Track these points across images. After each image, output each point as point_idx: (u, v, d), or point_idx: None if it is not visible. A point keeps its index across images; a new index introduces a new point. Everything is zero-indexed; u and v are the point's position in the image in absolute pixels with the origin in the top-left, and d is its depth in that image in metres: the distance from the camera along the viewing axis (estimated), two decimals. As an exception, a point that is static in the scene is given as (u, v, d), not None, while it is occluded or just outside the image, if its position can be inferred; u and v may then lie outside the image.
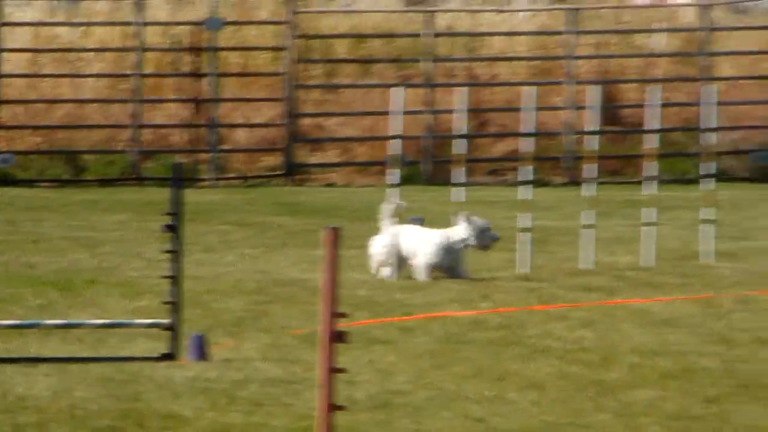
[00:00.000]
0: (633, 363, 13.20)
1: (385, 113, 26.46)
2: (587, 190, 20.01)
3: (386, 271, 18.78)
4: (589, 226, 19.53)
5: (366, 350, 13.48)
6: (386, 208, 18.99)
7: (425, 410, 11.14)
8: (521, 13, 38.56)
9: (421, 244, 18.72)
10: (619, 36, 35.96)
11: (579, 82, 32.77)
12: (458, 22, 36.99)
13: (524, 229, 19.30)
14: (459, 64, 35.09)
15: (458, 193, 19.29)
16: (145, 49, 34.41)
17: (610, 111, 33.44)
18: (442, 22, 35.69)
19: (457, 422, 10.97)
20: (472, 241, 18.83)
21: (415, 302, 16.94)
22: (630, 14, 39.45)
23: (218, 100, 34.35)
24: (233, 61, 36.25)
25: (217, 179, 33.80)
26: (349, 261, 17.10)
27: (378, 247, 18.91)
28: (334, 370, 8.42)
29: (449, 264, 18.81)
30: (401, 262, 18.80)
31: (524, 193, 19.68)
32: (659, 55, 35.46)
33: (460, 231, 18.91)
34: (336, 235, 8.33)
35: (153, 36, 35.64)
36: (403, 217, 19.14)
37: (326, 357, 8.38)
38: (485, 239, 18.99)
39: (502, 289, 17.79)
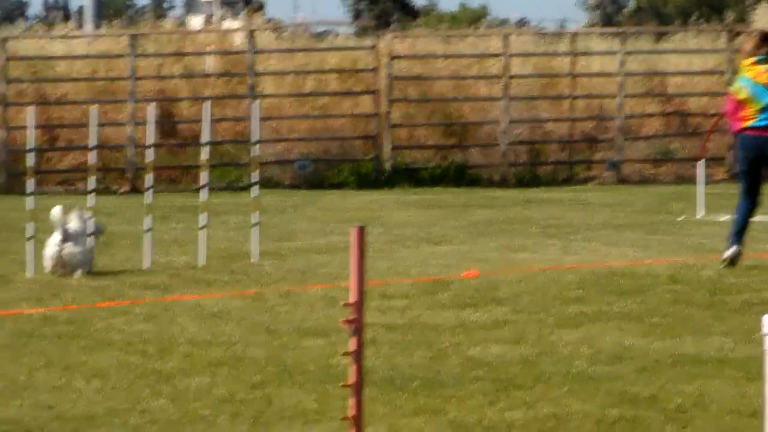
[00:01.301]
0: (187, 353, 13.15)
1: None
2: (147, 198, 20.03)
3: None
4: (149, 230, 19.55)
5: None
6: (56, 211, 18.66)
7: (-4, 400, 11.04)
8: (87, 39, 38.34)
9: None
10: (175, 58, 35.97)
11: (139, 101, 32.78)
12: (30, 45, 36.63)
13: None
14: (29, 85, 34.72)
15: (30, 202, 19.12)
16: None
17: (169, 126, 33.60)
18: (13, 46, 35.27)
19: (27, 410, 10.80)
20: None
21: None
22: (186, 39, 39.47)
23: None
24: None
25: None
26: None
27: (51, 246, 18.66)
28: None
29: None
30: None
31: (91, 200, 19.61)
32: (212, 75, 35.61)
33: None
34: None
35: None
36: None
37: None
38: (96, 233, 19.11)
39: (70, 288, 17.54)
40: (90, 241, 18.95)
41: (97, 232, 19.28)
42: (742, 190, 19.33)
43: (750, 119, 19.06)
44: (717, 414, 10.63)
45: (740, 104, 19.10)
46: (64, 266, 18.69)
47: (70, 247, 18.81)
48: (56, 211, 18.71)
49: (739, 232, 19.04)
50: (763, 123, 19.04)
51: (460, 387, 11.62)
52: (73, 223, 18.87)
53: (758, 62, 19.17)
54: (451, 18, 79.65)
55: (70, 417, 10.60)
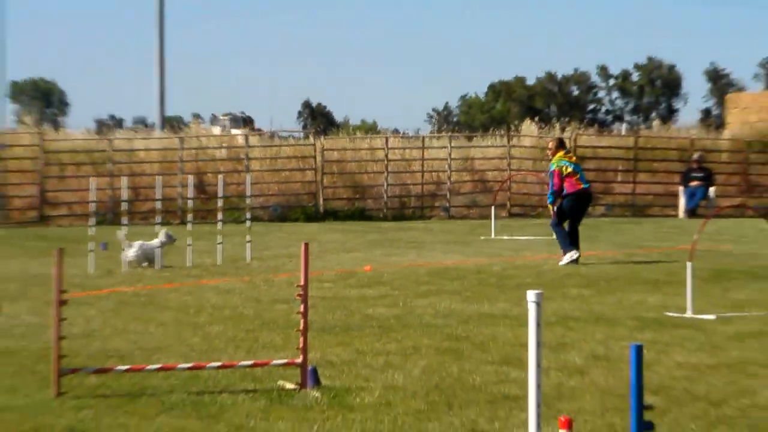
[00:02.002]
0: (211, 312, 12.93)
1: None
2: (188, 227, 19.89)
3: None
4: (190, 245, 19.33)
5: None
6: (120, 234, 18.70)
7: None
8: (157, 138, 37.98)
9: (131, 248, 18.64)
10: (204, 150, 35.73)
11: (184, 173, 32.49)
12: (124, 143, 36.38)
13: None
14: (127, 166, 34.45)
15: (125, 229, 18.94)
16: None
17: (200, 188, 32.95)
18: (116, 143, 35.07)
19: (122, 344, 10.66)
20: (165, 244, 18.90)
21: None
22: (211, 139, 39.09)
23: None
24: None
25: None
26: None
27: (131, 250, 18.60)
28: None
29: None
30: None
31: (158, 228, 19.45)
32: (224, 159, 35.39)
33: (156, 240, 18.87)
34: None
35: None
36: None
37: None
38: (169, 241, 18.99)
39: (147, 276, 17.10)
40: (159, 248, 18.84)
41: (171, 240, 19.13)
42: (562, 224, 19.00)
43: (579, 183, 19.10)
44: (502, 345, 10.71)
45: (568, 176, 19.00)
46: (144, 261, 18.66)
47: (146, 251, 18.76)
48: (120, 234, 18.69)
49: (572, 243, 18.87)
50: (587, 184, 19.31)
51: (360, 331, 11.64)
52: (159, 238, 18.85)
53: (567, 153, 19.39)
54: (357, 127, 79.75)
55: (146, 348, 10.61)
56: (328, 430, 7.48)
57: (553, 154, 19.33)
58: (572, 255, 18.64)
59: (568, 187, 19.05)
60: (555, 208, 19.07)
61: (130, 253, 18.61)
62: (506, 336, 11.19)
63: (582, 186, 19.17)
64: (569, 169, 19.07)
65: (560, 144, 19.55)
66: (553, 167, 19.09)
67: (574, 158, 19.71)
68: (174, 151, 34.23)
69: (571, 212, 19.11)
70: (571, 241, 18.90)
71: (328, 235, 26.64)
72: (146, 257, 18.77)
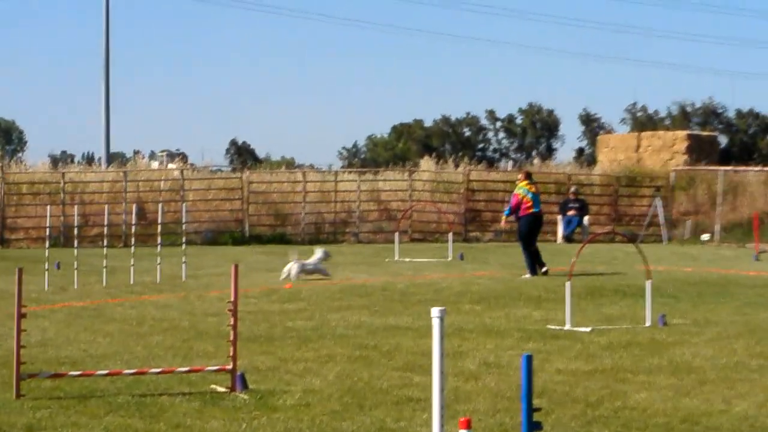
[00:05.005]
0: (151, 324, 12.86)
1: None
2: (131, 249, 19.67)
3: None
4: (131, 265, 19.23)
5: None
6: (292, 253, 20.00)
7: None
8: (104, 173, 37.40)
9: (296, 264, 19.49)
10: (145, 182, 35.22)
11: (128, 202, 32.11)
12: (76, 176, 35.75)
13: None
14: (78, 196, 33.79)
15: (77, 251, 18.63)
16: None
17: (142, 215, 32.46)
18: (68, 176, 34.46)
19: (75, 353, 10.71)
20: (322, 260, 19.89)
21: None
22: (151, 173, 38.79)
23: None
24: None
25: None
26: None
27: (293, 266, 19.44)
28: None
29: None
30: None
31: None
32: (163, 191, 34.97)
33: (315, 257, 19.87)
34: None
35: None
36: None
37: None
38: (326, 257, 20.07)
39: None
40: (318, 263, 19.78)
41: (327, 256, 20.18)
42: (526, 244, 20.22)
43: (532, 207, 20.42)
44: (406, 353, 10.78)
45: (523, 200, 20.34)
46: (303, 276, 19.33)
47: (305, 268, 19.60)
48: (292, 256, 19.90)
49: (535, 262, 20.19)
50: (538, 209, 20.57)
51: (282, 341, 11.64)
52: (317, 255, 19.92)
53: (530, 183, 20.74)
54: (278, 162, 79.50)
55: (95, 355, 10.48)
56: (255, 428, 7.49)
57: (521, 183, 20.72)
58: (528, 276, 19.86)
59: (521, 211, 20.35)
60: (506, 220, 20.92)
61: (294, 271, 19.29)
62: (409, 345, 11.26)
63: (533, 210, 20.34)
64: (527, 197, 20.34)
65: (527, 176, 20.95)
66: (516, 191, 20.49)
67: (533, 188, 20.81)
68: (119, 183, 33.87)
69: (528, 233, 20.28)
70: (533, 261, 20.13)
71: (253, 256, 26.51)
72: (305, 272, 19.39)
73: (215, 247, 31.42)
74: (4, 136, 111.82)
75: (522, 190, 20.43)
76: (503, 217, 21.07)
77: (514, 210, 20.44)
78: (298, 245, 32.29)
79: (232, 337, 8.72)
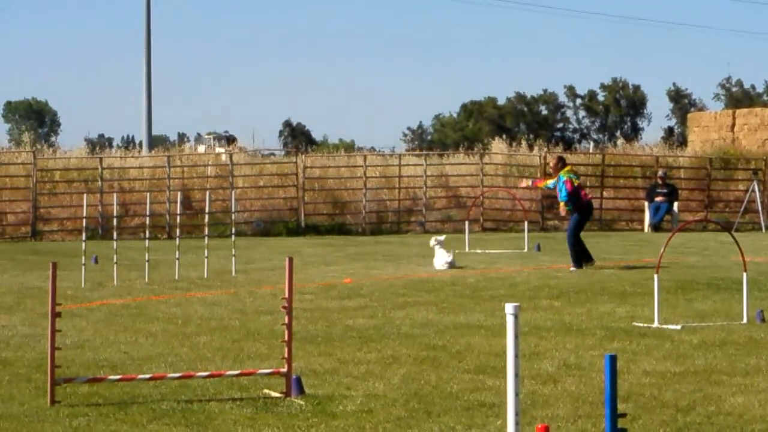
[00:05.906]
0: (198, 323, 12.91)
1: None
2: (176, 241, 19.84)
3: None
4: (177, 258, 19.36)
5: None
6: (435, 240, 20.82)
7: None
8: (146, 157, 37.78)
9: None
10: (191, 168, 35.50)
11: (172, 190, 32.49)
12: (115, 161, 36.16)
13: None
14: (118, 183, 34.28)
15: (114, 243, 18.81)
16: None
17: (187, 203, 32.90)
18: (106, 161, 34.90)
19: (114, 354, 10.78)
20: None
21: None
22: (197, 157, 39.08)
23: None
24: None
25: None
26: None
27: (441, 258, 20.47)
28: None
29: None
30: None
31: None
32: (210, 177, 35.20)
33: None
34: None
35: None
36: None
37: None
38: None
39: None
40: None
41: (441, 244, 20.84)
42: (579, 235, 19.99)
43: (588, 195, 20.59)
44: (478, 354, 10.73)
45: (580, 187, 20.15)
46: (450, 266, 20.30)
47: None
48: (433, 241, 20.88)
49: (584, 253, 19.97)
50: (589, 196, 20.84)
51: (341, 341, 11.63)
52: (437, 247, 20.68)
53: (572, 168, 20.86)
54: (336, 146, 79.78)
55: (137, 358, 10.56)
56: (312, 437, 7.48)
57: (555, 169, 20.15)
58: (576, 268, 19.65)
59: (582, 197, 20.05)
60: (568, 208, 20.01)
61: (444, 260, 20.37)
62: (481, 345, 11.20)
63: (591, 197, 20.80)
64: (578, 182, 20.09)
65: (562, 160, 20.43)
66: (564, 178, 19.84)
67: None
68: (162, 168, 34.09)
69: (582, 224, 20.05)
70: (582, 254, 19.87)
71: (309, 248, 26.58)
72: (453, 264, 20.39)
73: (267, 238, 31.61)
74: (36, 118, 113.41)
75: (571, 175, 19.98)
76: (562, 204, 20.22)
77: (573, 194, 19.78)
78: (358, 236, 32.44)
79: (286, 337, 8.71)
